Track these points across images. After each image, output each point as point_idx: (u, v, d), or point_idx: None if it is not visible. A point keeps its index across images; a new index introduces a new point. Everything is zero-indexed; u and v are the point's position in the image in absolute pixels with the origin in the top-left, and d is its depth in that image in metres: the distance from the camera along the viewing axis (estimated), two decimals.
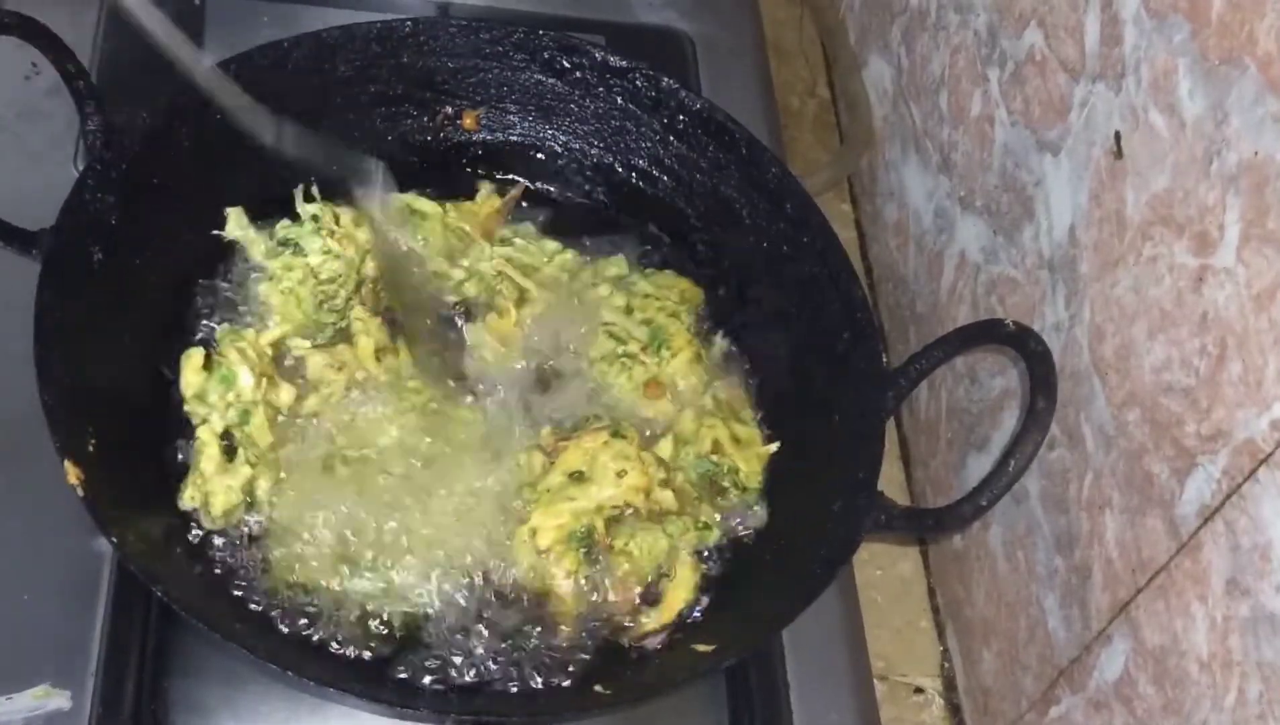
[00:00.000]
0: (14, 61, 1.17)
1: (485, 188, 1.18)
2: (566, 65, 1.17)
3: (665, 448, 1.05)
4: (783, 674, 1.04)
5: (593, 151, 1.21)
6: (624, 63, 1.16)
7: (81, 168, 1.03)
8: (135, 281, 1.00)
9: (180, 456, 0.98)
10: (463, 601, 0.97)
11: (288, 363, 1.04)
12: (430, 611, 0.96)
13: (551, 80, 1.18)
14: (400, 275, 1.11)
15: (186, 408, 0.99)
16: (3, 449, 0.99)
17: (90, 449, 0.89)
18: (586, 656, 0.97)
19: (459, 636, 0.95)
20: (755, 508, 1.06)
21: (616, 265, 1.17)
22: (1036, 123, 1.05)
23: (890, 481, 1.29)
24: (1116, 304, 0.92)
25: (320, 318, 1.07)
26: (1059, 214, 1.01)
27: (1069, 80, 0.99)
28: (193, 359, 0.99)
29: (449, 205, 1.14)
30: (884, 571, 1.26)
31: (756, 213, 1.15)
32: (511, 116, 1.20)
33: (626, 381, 1.09)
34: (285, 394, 1.01)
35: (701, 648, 0.96)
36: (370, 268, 1.10)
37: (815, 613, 0.94)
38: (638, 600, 0.99)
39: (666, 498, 1.02)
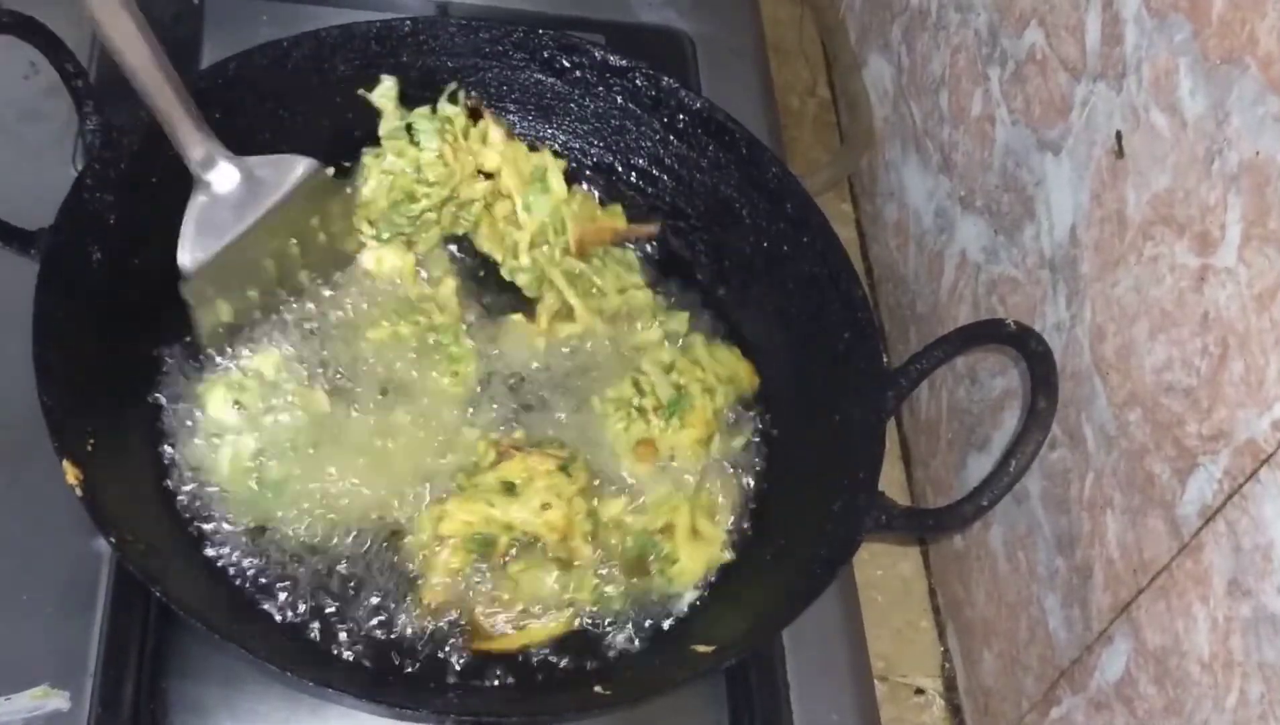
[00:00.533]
0: (12, 61, 1.17)
1: (619, 205, 1.18)
2: (566, 64, 1.17)
3: (613, 508, 1.02)
4: (783, 674, 1.04)
5: (593, 151, 1.21)
6: (624, 62, 1.15)
7: (80, 167, 1.03)
8: (134, 281, 1.00)
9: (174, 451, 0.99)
10: (359, 549, 0.97)
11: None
12: (324, 546, 0.96)
13: (551, 80, 1.18)
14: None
15: None
16: (2, 449, 0.98)
17: (89, 449, 0.88)
18: (432, 646, 0.95)
19: (339, 583, 0.96)
20: (671, 606, 1.01)
21: (678, 321, 1.14)
22: (1037, 122, 1.04)
23: (890, 481, 1.29)
24: (1117, 304, 0.92)
25: (391, 216, 1.10)
26: (1060, 214, 1.01)
27: (1070, 80, 0.99)
28: None
29: (576, 196, 1.14)
30: (884, 571, 1.25)
31: (756, 213, 1.14)
32: (511, 116, 1.20)
33: (622, 431, 1.05)
34: None
35: (701, 648, 0.96)
36: (465, 192, 1.11)
37: (815, 613, 0.93)
38: (497, 625, 0.96)
39: (583, 552, 0.99)
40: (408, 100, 1.13)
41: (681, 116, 1.16)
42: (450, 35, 1.15)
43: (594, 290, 1.12)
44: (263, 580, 0.95)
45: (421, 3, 1.37)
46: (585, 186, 1.18)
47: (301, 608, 0.94)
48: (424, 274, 1.11)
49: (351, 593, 0.95)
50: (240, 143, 1.09)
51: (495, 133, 1.12)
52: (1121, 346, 0.92)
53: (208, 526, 0.96)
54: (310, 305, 1.06)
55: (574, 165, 1.21)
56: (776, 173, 1.12)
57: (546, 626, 0.97)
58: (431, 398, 1.04)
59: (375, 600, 0.96)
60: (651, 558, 1.01)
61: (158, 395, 1.00)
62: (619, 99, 1.17)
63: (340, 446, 1.00)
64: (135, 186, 1.00)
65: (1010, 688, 1.09)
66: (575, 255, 1.13)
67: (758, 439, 1.10)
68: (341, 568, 0.96)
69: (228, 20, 1.27)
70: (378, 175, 1.10)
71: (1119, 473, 0.92)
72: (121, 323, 0.99)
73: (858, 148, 1.44)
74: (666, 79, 1.15)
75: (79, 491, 0.85)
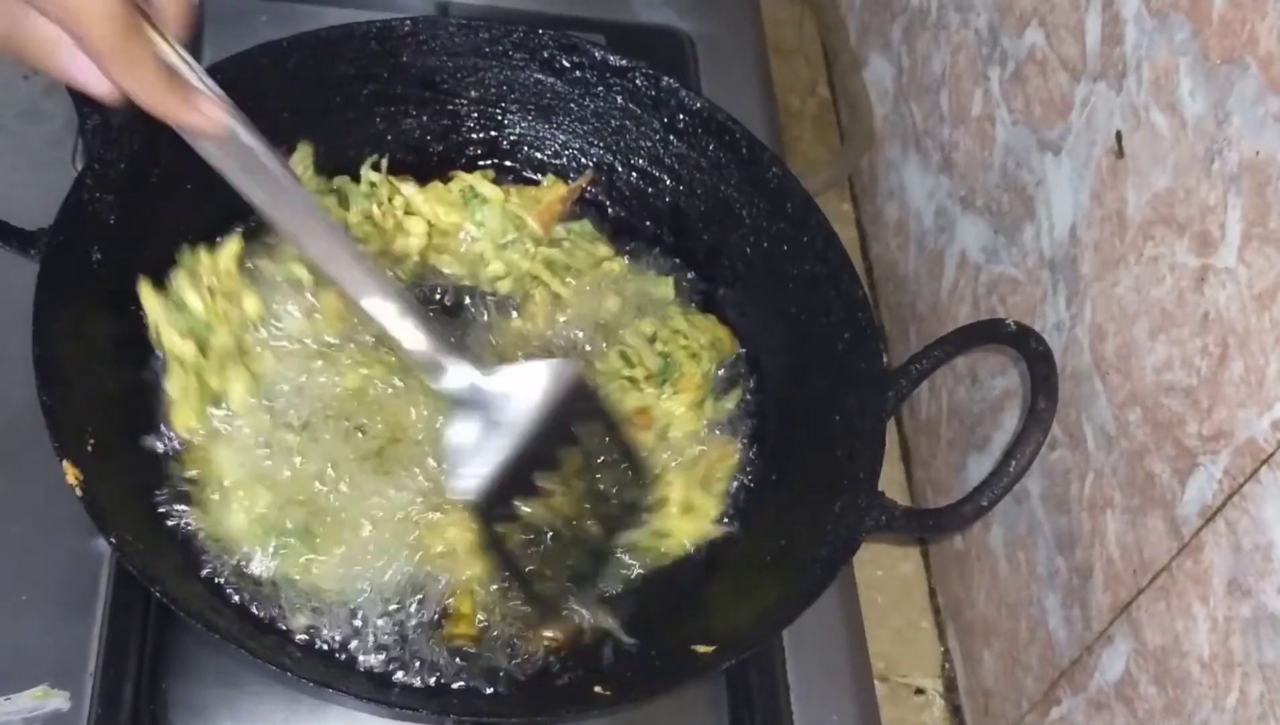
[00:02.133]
0: (13, 61, 1.16)
1: (550, 176, 1.18)
2: (566, 64, 1.17)
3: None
4: (783, 674, 1.04)
5: (593, 151, 1.21)
6: (624, 62, 1.15)
7: (80, 167, 1.03)
8: (134, 281, 1.00)
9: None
10: (370, 588, 0.96)
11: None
12: (356, 594, 0.95)
13: (551, 79, 1.18)
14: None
15: (153, 337, 0.98)
16: (2, 449, 0.98)
17: (89, 449, 0.88)
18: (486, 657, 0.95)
19: (359, 621, 0.95)
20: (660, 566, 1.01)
21: (663, 286, 1.15)
22: (1037, 122, 1.04)
23: (891, 482, 1.29)
24: (1118, 304, 0.92)
25: None
26: (1060, 213, 1.01)
27: (1070, 79, 0.99)
28: (144, 287, 0.98)
29: (512, 191, 1.15)
30: (885, 572, 1.25)
31: (756, 213, 1.14)
32: (511, 116, 1.20)
33: (617, 403, 1.06)
34: (250, 304, 1.01)
35: (701, 648, 0.96)
36: (400, 246, 1.11)
37: (815, 613, 0.93)
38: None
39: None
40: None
41: (681, 116, 1.16)
42: (450, 35, 1.15)
43: (575, 271, 1.13)
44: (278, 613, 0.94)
45: (421, 3, 1.37)
46: (510, 178, 1.19)
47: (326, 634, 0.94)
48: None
49: (379, 631, 0.95)
50: None
51: (407, 188, 1.12)
52: (1121, 346, 0.92)
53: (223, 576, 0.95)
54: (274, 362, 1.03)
55: (574, 164, 1.21)
56: (776, 173, 1.12)
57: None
58: (416, 427, 1.02)
59: (410, 624, 0.95)
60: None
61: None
62: (619, 99, 1.17)
63: (342, 494, 0.98)
64: (135, 186, 1.00)
65: (1010, 688, 1.09)
66: (545, 234, 1.14)
67: (748, 400, 1.11)
68: (370, 606, 0.95)
69: (228, 20, 1.27)
70: None
71: (1119, 473, 0.92)
72: (122, 323, 0.99)
73: (858, 148, 1.44)
74: (666, 79, 1.15)
75: (79, 491, 0.85)
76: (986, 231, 1.15)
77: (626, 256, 1.16)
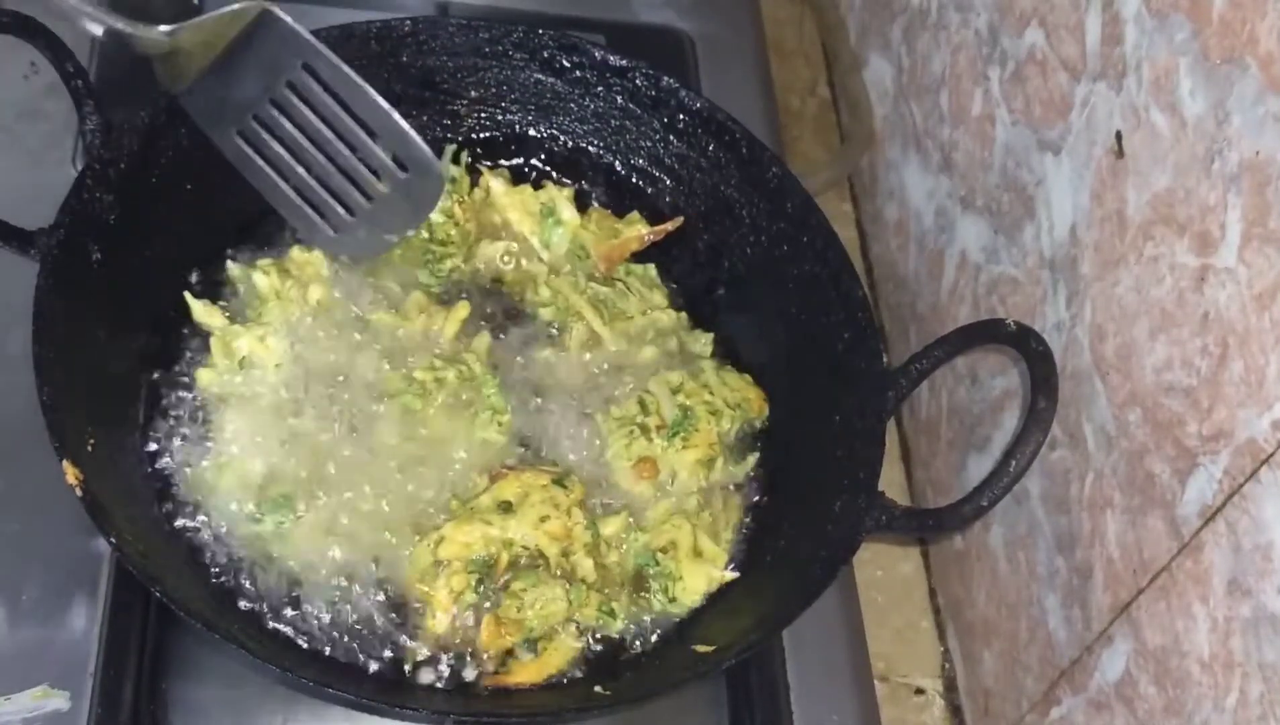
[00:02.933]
0: (13, 61, 1.17)
1: (635, 213, 1.18)
2: (566, 64, 1.17)
3: (612, 525, 1.01)
4: (783, 674, 1.04)
5: (592, 150, 1.21)
6: (624, 62, 1.15)
7: (80, 167, 1.03)
8: (134, 280, 1.00)
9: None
10: (347, 580, 0.96)
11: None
12: (318, 573, 0.95)
13: (551, 79, 1.18)
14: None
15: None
16: (2, 449, 0.99)
17: (89, 449, 0.88)
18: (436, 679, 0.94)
19: (331, 611, 0.95)
20: (674, 621, 1.00)
21: (703, 342, 1.14)
22: (1037, 122, 1.04)
23: (891, 482, 1.29)
24: (1118, 304, 0.92)
25: (421, 276, 1.10)
26: (1060, 213, 1.01)
27: (1070, 79, 0.99)
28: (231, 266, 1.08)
29: (594, 214, 1.16)
30: (885, 572, 1.25)
31: (756, 213, 1.14)
32: (511, 115, 1.20)
33: (623, 448, 1.05)
34: (315, 292, 1.05)
35: (701, 648, 0.96)
36: (485, 251, 1.13)
37: (815, 613, 0.93)
38: (505, 649, 0.95)
39: (585, 565, 0.98)
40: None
41: (681, 116, 1.16)
42: (450, 35, 1.15)
43: (619, 313, 1.12)
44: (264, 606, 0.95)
45: (421, 3, 1.37)
46: (595, 204, 1.19)
47: (305, 633, 0.94)
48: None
49: (354, 626, 0.95)
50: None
51: (496, 184, 1.14)
52: (1121, 346, 0.92)
53: (206, 557, 0.95)
54: (333, 356, 1.04)
55: (574, 164, 1.21)
56: (776, 173, 1.12)
57: (561, 649, 0.96)
58: (458, 442, 1.03)
59: (377, 634, 0.95)
60: (652, 574, 1.00)
61: (169, 414, 1.00)
62: (619, 99, 1.17)
63: (351, 482, 0.99)
64: (135, 186, 1.00)
65: (1010, 688, 1.09)
66: (604, 273, 1.14)
67: (760, 461, 1.09)
68: (341, 600, 0.95)
69: None
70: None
71: (1119, 473, 0.92)
72: (122, 322, 0.99)
73: (858, 147, 1.44)
74: (666, 79, 1.15)
75: (79, 491, 0.85)
76: (986, 231, 1.15)
77: (677, 311, 1.15)
